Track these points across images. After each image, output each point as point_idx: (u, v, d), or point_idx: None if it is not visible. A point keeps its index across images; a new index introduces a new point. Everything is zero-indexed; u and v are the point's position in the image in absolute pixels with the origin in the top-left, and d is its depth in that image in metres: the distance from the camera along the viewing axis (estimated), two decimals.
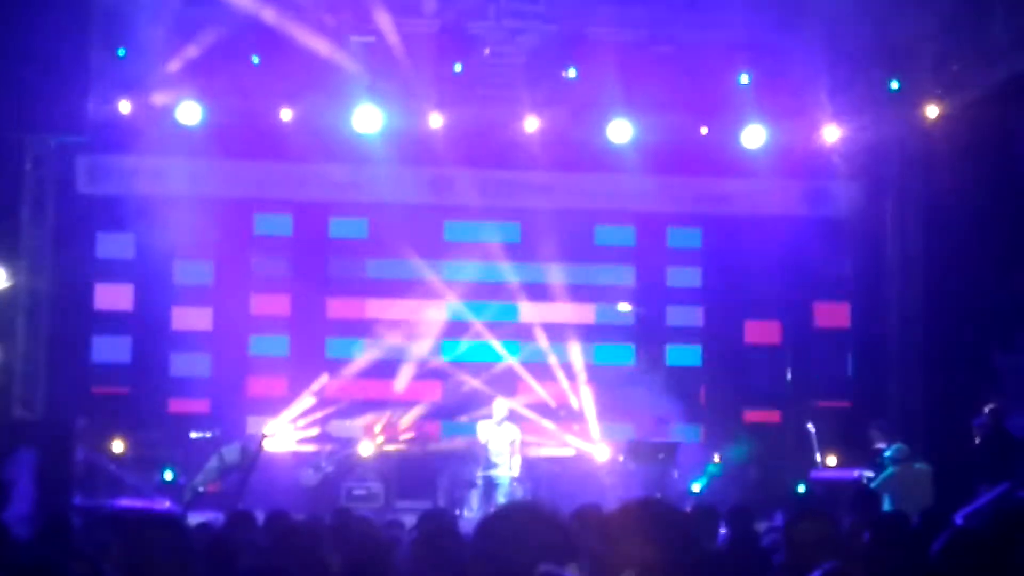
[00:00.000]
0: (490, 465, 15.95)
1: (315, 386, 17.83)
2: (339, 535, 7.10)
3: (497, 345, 18.62)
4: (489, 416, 16.28)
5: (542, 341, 18.61)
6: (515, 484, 15.95)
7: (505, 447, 15.99)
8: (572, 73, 16.16)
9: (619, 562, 3.77)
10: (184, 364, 18.31)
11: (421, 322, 18.47)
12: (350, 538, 6.96)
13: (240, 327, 18.39)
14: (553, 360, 18.61)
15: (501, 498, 15.47)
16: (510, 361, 18.54)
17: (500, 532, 3.45)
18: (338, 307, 18.88)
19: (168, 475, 16.81)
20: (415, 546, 6.51)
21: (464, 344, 18.66)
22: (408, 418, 17.84)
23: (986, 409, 14.20)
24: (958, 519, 10.43)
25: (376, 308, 18.82)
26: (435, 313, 18.53)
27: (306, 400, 17.72)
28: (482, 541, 3.47)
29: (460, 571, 3.57)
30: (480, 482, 15.90)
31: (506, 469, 15.97)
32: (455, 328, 18.66)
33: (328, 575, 5.82)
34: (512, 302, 18.68)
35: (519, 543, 3.38)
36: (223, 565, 6.37)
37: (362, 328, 18.70)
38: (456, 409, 18.13)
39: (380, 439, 17.37)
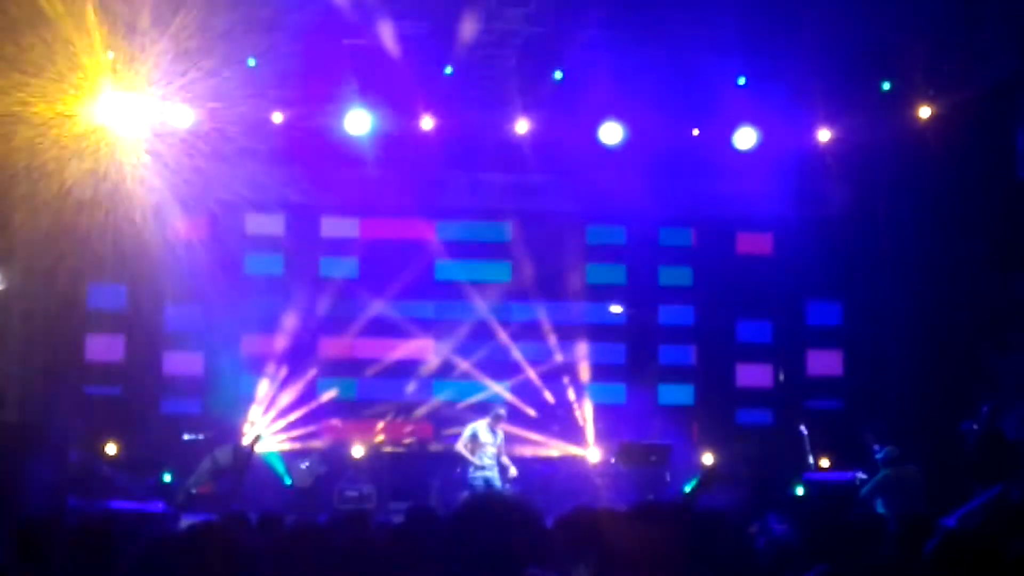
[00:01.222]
0: (486, 467, 15.96)
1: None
2: (335, 535, 7.11)
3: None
4: (483, 418, 16.29)
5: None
6: (508, 485, 15.99)
7: (493, 449, 16.04)
8: (562, 75, 16.15)
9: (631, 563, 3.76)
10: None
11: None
12: (346, 538, 6.96)
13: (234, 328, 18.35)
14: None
15: None
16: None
17: (474, 525, 3.45)
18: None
19: (167, 477, 16.78)
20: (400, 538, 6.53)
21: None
22: (409, 418, 17.90)
23: (984, 410, 14.20)
24: (951, 521, 10.45)
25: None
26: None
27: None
28: (458, 533, 3.48)
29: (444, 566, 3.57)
30: (480, 484, 15.87)
31: (496, 471, 16.01)
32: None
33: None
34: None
35: (492, 536, 3.38)
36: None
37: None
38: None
39: (380, 438, 17.38)
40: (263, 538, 7.21)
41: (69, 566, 6.23)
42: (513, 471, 16.05)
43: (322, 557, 6.06)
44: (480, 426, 16.13)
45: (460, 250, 18.86)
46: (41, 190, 16.75)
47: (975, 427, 14.21)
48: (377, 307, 18.45)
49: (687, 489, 17.10)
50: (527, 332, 18.74)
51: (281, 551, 5.80)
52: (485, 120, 17.43)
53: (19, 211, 16.98)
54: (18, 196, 16.95)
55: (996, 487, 12.59)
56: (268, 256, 18.62)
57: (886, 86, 16.61)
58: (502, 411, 16.44)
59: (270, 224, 18.69)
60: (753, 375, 19.27)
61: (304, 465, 16.85)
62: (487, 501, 3.59)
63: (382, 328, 18.57)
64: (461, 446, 16.06)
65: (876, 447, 14.72)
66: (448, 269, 18.79)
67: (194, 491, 15.97)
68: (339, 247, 18.77)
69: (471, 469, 15.98)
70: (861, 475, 14.68)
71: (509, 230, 18.93)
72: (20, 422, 16.17)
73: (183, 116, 16.63)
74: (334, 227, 18.85)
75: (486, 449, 16.00)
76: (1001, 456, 13.65)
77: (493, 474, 15.98)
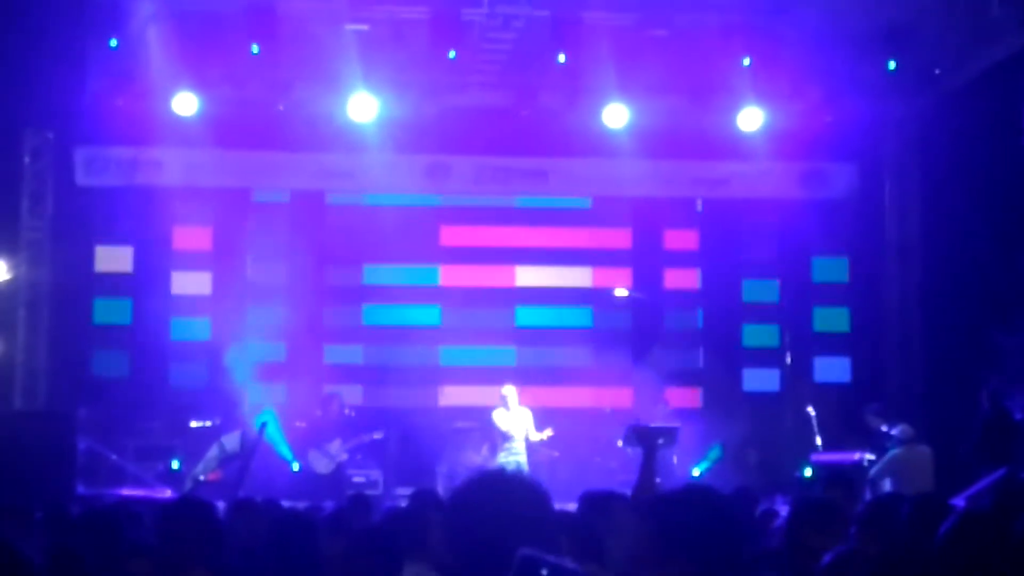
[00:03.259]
0: (513, 452, 15.86)
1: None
2: (339, 522, 7.12)
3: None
4: (501, 403, 16.14)
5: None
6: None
7: (522, 432, 15.91)
8: (566, 58, 16.08)
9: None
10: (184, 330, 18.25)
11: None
12: (349, 524, 6.96)
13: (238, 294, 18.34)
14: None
15: None
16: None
17: (477, 502, 3.43)
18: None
19: (175, 464, 16.78)
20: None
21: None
22: None
23: (983, 394, 14.10)
24: (959, 501, 10.42)
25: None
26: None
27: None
28: (459, 511, 3.46)
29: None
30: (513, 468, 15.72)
31: (525, 455, 15.87)
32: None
33: (323, 563, 5.82)
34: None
35: (496, 513, 3.37)
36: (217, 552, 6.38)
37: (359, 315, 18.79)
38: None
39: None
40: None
41: (78, 553, 6.23)
42: (537, 436, 15.97)
43: (328, 542, 6.07)
44: (497, 416, 16.01)
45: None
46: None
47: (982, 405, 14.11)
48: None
49: (696, 471, 17.14)
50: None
51: (279, 536, 5.80)
52: (489, 104, 17.42)
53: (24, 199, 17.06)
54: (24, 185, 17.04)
55: (1004, 467, 12.59)
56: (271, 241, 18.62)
57: (892, 65, 16.53)
58: (504, 390, 16.25)
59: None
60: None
61: (329, 451, 16.74)
62: (489, 481, 3.55)
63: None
64: (500, 449, 15.94)
65: (885, 427, 14.69)
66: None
67: (202, 478, 15.98)
68: (344, 233, 18.78)
69: (502, 455, 15.86)
70: (869, 456, 14.66)
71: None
72: (28, 411, 16.23)
73: (188, 103, 16.65)
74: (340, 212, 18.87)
75: (513, 433, 15.86)
76: (1008, 437, 13.62)
77: (521, 459, 15.86)
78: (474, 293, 18.84)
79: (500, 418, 15.91)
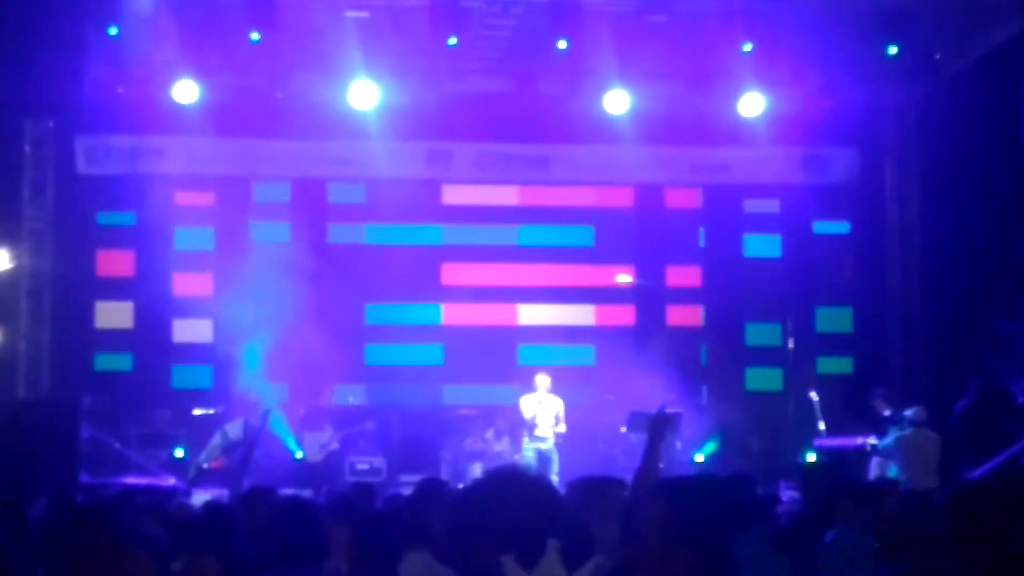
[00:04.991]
0: (537, 439, 15.87)
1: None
2: (340, 510, 7.14)
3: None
4: (532, 390, 16.14)
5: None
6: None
7: (550, 419, 15.91)
8: (567, 44, 16.05)
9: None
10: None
11: None
12: (351, 512, 6.99)
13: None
14: None
15: (555, 471, 15.45)
16: None
17: (485, 499, 3.45)
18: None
19: (179, 453, 16.81)
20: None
21: None
22: None
23: (972, 386, 14.05)
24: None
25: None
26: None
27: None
28: (468, 507, 3.48)
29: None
30: (532, 456, 15.77)
31: (552, 442, 15.89)
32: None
33: (327, 550, 5.84)
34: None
35: (504, 510, 3.39)
36: (226, 541, 6.41)
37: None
38: None
39: None
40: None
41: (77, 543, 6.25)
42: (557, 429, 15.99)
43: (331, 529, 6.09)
44: (523, 402, 15.99)
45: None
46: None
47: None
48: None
49: (697, 457, 17.16)
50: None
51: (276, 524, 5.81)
52: (489, 90, 17.42)
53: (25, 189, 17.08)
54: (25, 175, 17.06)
55: (1012, 448, 12.61)
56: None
57: (892, 50, 16.52)
58: (537, 378, 16.20)
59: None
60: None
61: (318, 440, 16.81)
62: (500, 476, 3.57)
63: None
64: (528, 419, 15.93)
65: (888, 412, 14.67)
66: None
67: (205, 466, 16.01)
68: (345, 214, 18.79)
69: (524, 443, 15.88)
70: (872, 440, 14.65)
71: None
72: (30, 400, 16.26)
73: (188, 91, 16.65)
74: (340, 195, 18.88)
75: (537, 420, 15.85)
76: (1006, 423, 13.61)
77: (546, 446, 15.84)
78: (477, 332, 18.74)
79: (526, 404, 15.95)
